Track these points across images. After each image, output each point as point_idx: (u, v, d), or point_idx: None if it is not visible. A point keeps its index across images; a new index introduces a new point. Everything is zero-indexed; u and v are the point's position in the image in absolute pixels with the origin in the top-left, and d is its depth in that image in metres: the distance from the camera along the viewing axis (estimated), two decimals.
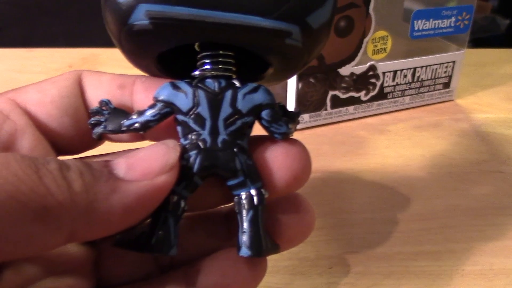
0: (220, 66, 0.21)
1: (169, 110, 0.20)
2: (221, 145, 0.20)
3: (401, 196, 0.38)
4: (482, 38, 1.00)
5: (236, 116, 0.20)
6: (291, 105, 0.46)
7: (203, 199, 0.22)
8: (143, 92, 0.22)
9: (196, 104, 0.20)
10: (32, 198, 0.15)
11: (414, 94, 0.52)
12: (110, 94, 0.22)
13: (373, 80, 0.49)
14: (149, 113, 0.20)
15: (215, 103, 0.20)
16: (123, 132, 0.21)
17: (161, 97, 0.20)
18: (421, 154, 0.44)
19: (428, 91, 0.53)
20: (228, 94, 0.20)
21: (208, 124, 0.20)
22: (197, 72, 0.21)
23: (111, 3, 0.19)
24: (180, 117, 0.20)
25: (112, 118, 0.21)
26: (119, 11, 0.19)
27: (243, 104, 0.20)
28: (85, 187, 0.16)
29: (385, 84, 0.50)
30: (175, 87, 0.20)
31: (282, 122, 0.21)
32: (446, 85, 0.53)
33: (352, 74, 0.48)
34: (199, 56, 0.21)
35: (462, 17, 0.51)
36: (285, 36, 0.19)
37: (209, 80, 0.20)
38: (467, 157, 0.44)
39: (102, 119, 0.21)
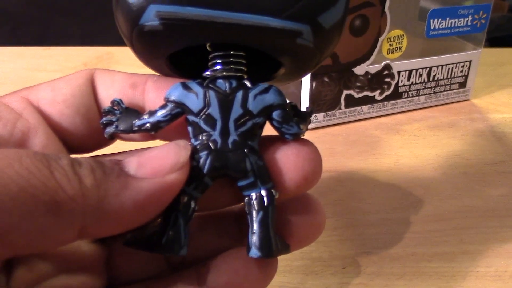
0: (231, 67, 0.20)
1: (180, 110, 0.20)
2: (231, 146, 0.20)
3: (416, 196, 0.38)
4: (498, 37, 0.99)
5: (247, 117, 0.20)
6: (305, 104, 0.46)
7: (213, 200, 0.22)
8: (155, 92, 0.22)
9: (207, 105, 0.20)
10: (43, 192, 0.15)
11: (430, 93, 0.52)
12: (122, 93, 0.22)
13: (388, 80, 0.49)
14: (160, 114, 0.20)
15: (226, 103, 0.20)
16: (134, 132, 0.21)
17: (172, 98, 0.20)
18: (436, 154, 0.44)
19: (444, 91, 0.52)
20: (239, 94, 0.20)
21: (218, 125, 0.20)
22: (208, 73, 0.21)
23: (122, 4, 0.19)
24: (191, 117, 0.20)
25: (124, 118, 0.21)
26: (130, 11, 0.19)
27: (254, 105, 0.20)
28: (96, 183, 0.16)
29: (400, 84, 0.49)
30: (186, 87, 0.20)
31: (293, 123, 0.21)
32: (462, 84, 0.53)
33: (367, 73, 0.47)
34: (210, 56, 0.21)
35: (479, 16, 0.50)
36: (296, 36, 0.19)
37: (220, 81, 0.20)
38: (483, 157, 0.43)
39: (114, 119, 0.21)
